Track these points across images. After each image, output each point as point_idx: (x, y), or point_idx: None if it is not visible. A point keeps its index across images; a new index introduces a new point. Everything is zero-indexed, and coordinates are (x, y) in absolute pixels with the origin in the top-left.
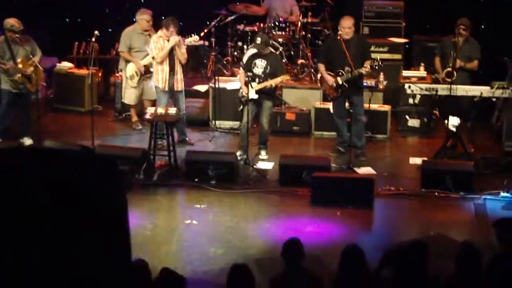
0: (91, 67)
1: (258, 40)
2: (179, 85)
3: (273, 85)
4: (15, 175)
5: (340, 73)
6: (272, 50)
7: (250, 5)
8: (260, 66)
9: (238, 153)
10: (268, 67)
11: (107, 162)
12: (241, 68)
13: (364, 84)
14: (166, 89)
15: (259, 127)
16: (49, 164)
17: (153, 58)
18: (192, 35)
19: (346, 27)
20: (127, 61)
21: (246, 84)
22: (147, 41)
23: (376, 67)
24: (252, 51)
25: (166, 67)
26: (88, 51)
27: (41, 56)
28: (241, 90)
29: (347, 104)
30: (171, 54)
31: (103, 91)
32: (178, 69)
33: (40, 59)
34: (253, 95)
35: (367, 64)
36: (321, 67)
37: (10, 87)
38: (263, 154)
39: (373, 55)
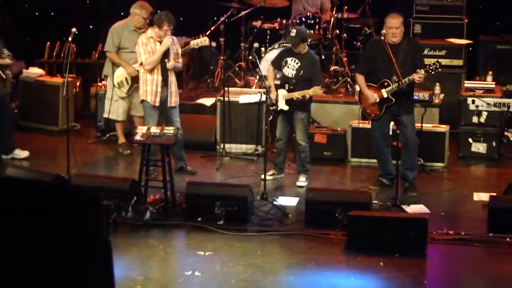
0: (67, 74)
1: (293, 32)
2: (173, 99)
3: (306, 97)
4: None
5: (385, 83)
6: (310, 50)
7: None
8: (292, 66)
9: (270, 173)
10: (302, 71)
11: (86, 196)
12: (270, 64)
13: (415, 97)
14: (157, 104)
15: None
16: (11, 200)
17: (141, 64)
18: (201, 35)
19: (393, 27)
20: (115, 65)
21: (276, 87)
22: None
23: (433, 71)
24: (279, 49)
25: (157, 76)
26: (64, 53)
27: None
28: (268, 97)
29: (392, 124)
30: (163, 60)
31: (82, 104)
32: (173, 79)
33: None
34: (282, 105)
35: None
36: (360, 78)
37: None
38: (302, 180)
39: (427, 61)
